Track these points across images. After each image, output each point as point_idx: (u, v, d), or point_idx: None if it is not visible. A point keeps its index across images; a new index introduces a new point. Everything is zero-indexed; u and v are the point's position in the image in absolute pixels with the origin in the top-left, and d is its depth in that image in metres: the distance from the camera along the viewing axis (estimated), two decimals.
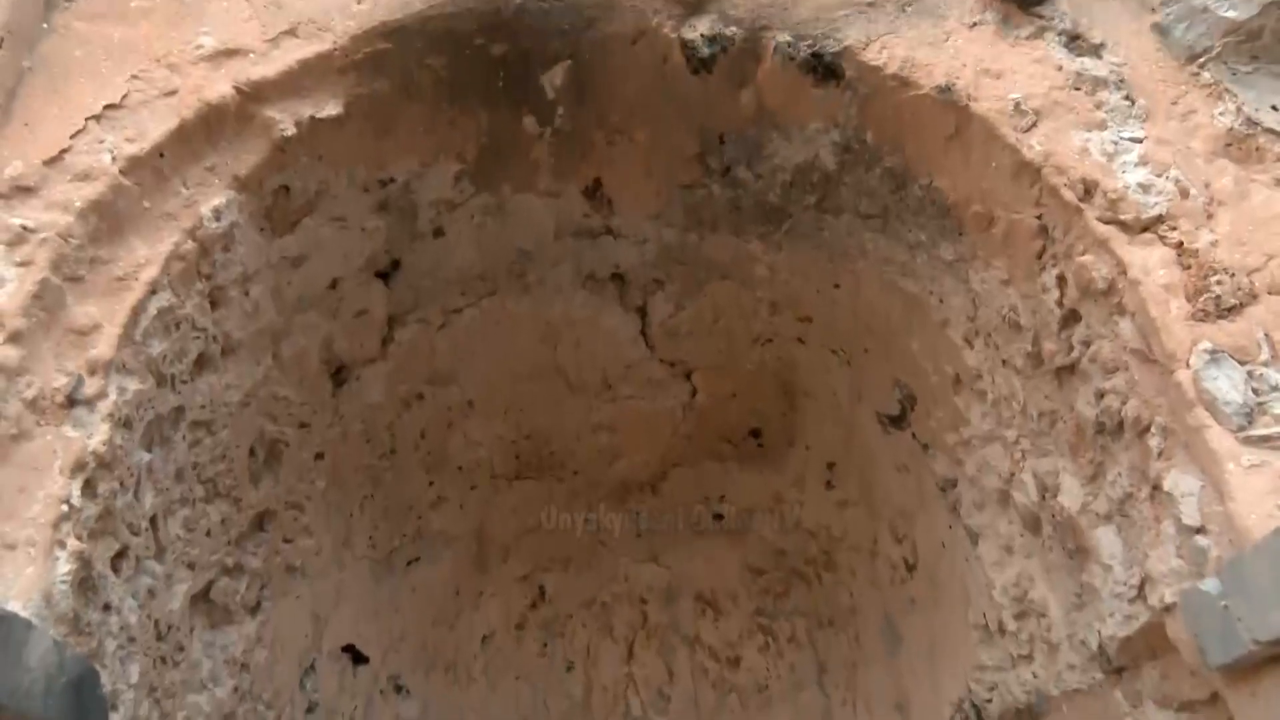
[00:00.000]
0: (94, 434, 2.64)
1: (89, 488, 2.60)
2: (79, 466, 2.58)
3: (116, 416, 2.70)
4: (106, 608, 2.70)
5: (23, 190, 2.80)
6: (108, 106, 2.95)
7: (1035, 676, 3.60)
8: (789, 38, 3.22)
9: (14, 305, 2.61)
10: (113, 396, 2.71)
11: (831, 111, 3.34)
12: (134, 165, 2.89)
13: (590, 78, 3.35)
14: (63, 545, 2.49)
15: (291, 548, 3.82)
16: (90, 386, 2.67)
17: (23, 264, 2.69)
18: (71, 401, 2.63)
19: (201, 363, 3.15)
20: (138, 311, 2.81)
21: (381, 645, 4.33)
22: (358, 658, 4.22)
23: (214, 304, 3.15)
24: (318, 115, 3.13)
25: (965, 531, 3.94)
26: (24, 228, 2.72)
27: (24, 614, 2.29)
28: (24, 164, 2.82)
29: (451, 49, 3.21)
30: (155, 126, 2.96)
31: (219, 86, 3.04)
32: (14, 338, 2.58)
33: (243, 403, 3.44)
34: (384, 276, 3.75)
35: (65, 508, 2.51)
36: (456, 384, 4.28)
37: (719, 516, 5.11)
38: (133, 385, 2.79)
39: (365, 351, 3.90)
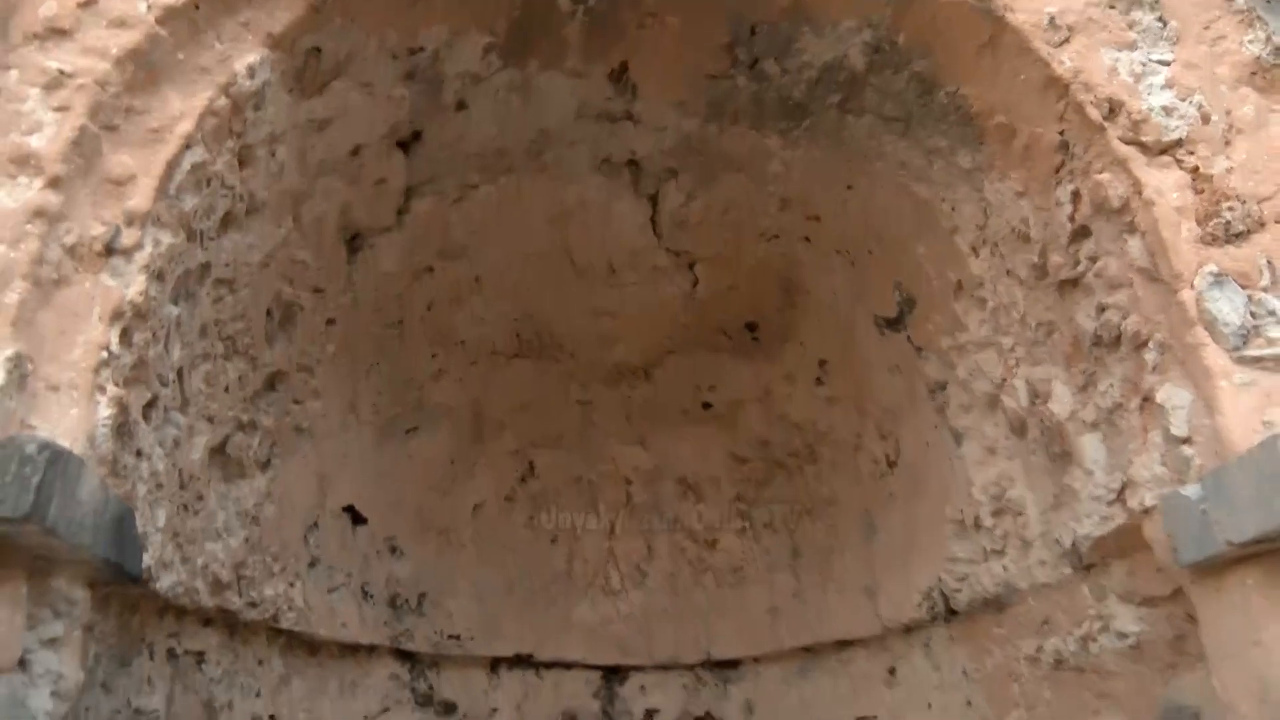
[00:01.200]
0: (131, 284, 2.68)
1: (125, 336, 2.66)
2: (117, 315, 2.63)
3: (151, 268, 2.74)
4: (139, 454, 2.78)
5: (57, 32, 2.75)
6: None
7: (1005, 570, 3.85)
8: None
9: (54, 150, 2.61)
10: (148, 249, 2.73)
11: (866, 10, 3.35)
12: (169, 15, 2.84)
13: None
14: (103, 390, 2.55)
15: (300, 409, 3.91)
16: (127, 237, 2.69)
17: (60, 109, 2.68)
18: (109, 251, 2.66)
19: (228, 221, 3.17)
20: (173, 165, 2.81)
21: (379, 508, 4.47)
22: (357, 518, 4.36)
23: (242, 163, 3.15)
24: None
25: (950, 432, 4.12)
26: (61, 72, 2.70)
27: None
28: (58, 4, 2.77)
29: None
30: None
31: None
32: (54, 183, 2.59)
33: (263, 263, 3.47)
34: (404, 146, 3.75)
35: (105, 354, 2.57)
36: (466, 259, 4.33)
37: (708, 405, 5.26)
38: (166, 239, 2.82)
39: (381, 220, 3.92)
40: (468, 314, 4.55)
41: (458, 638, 4.84)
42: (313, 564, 4.02)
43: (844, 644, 4.81)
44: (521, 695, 5.06)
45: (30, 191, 2.56)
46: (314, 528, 4.04)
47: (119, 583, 2.70)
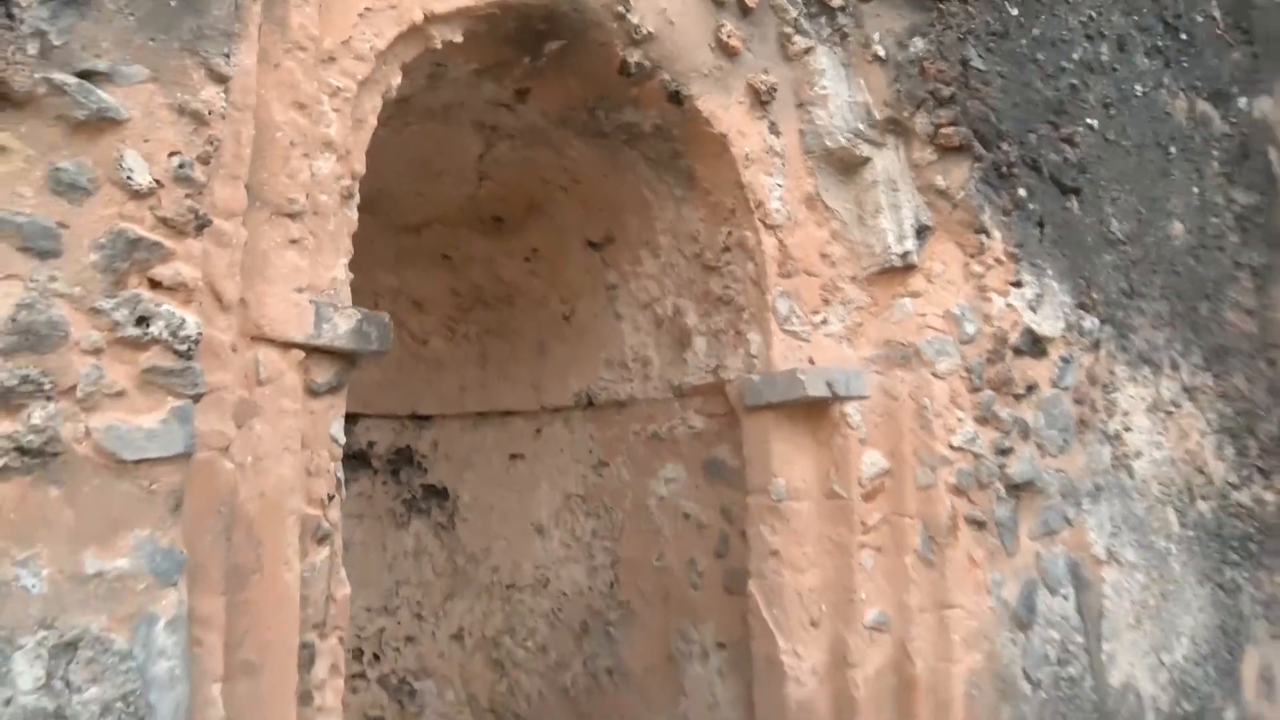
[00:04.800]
0: (354, 214, 4.90)
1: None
2: (351, 235, 4.87)
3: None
4: None
5: (331, 59, 4.70)
6: (366, 9, 4.85)
7: (632, 389, 7.49)
8: (668, 76, 6.22)
9: (339, 139, 4.69)
10: (357, 195, 4.94)
11: (665, 113, 6.46)
12: (379, 54, 4.92)
13: (568, 52, 5.95)
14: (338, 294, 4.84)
15: None
16: (355, 189, 4.88)
17: (336, 110, 4.70)
18: (349, 195, 4.84)
19: None
20: (365, 144, 4.98)
21: None
22: None
23: None
24: (453, 40, 5.34)
25: (614, 314, 7.57)
26: (337, 87, 4.70)
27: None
28: (330, 40, 4.70)
29: (522, 19, 5.59)
30: (387, 29, 4.95)
31: (415, 11, 5.09)
32: (340, 159, 4.69)
33: None
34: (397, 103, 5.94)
35: (347, 258, 4.84)
36: (372, 157, 6.51)
37: (446, 257, 7.98)
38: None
39: None
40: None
41: None
42: None
43: (508, 413, 8.15)
44: None
45: (330, 163, 4.65)
46: None
47: None
